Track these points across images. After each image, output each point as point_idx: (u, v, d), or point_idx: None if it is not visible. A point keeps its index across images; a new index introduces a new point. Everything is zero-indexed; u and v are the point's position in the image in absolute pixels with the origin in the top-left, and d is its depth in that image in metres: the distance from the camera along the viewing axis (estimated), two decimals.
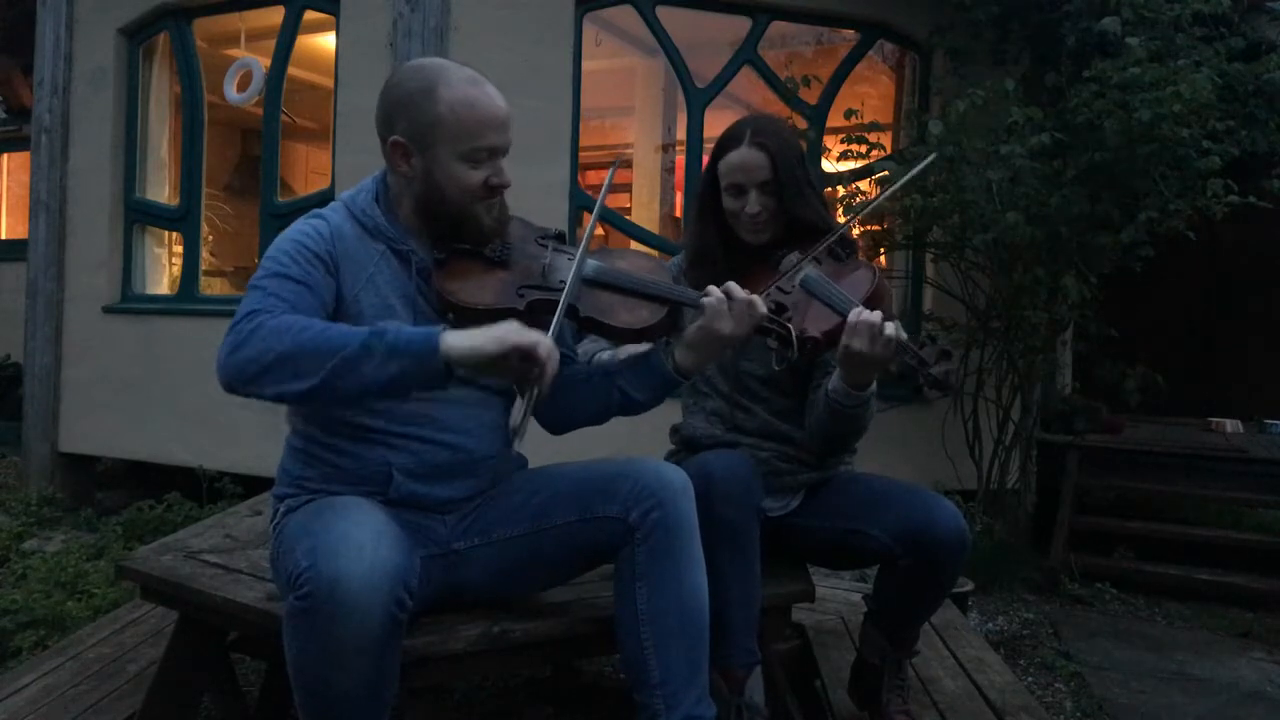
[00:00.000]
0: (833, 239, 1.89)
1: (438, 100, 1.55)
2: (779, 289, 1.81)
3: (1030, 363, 4.08)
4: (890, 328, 1.66)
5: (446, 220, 1.62)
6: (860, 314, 1.68)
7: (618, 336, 1.68)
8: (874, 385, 1.81)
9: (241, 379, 1.41)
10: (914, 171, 2.17)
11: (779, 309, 1.73)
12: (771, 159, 1.91)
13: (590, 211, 4.71)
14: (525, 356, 1.39)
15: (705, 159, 2.08)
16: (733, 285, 1.63)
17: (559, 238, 1.72)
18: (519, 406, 1.45)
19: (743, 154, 1.93)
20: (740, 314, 1.61)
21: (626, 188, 6.16)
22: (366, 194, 1.65)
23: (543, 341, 1.41)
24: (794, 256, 1.89)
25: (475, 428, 1.65)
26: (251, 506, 2.46)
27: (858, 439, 1.98)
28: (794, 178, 1.93)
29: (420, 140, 1.57)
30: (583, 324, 1.65)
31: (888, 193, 2.53)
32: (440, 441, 1.62)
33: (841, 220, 2.30)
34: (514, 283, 1.62)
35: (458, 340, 1.40)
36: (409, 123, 1.57)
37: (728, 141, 1.97)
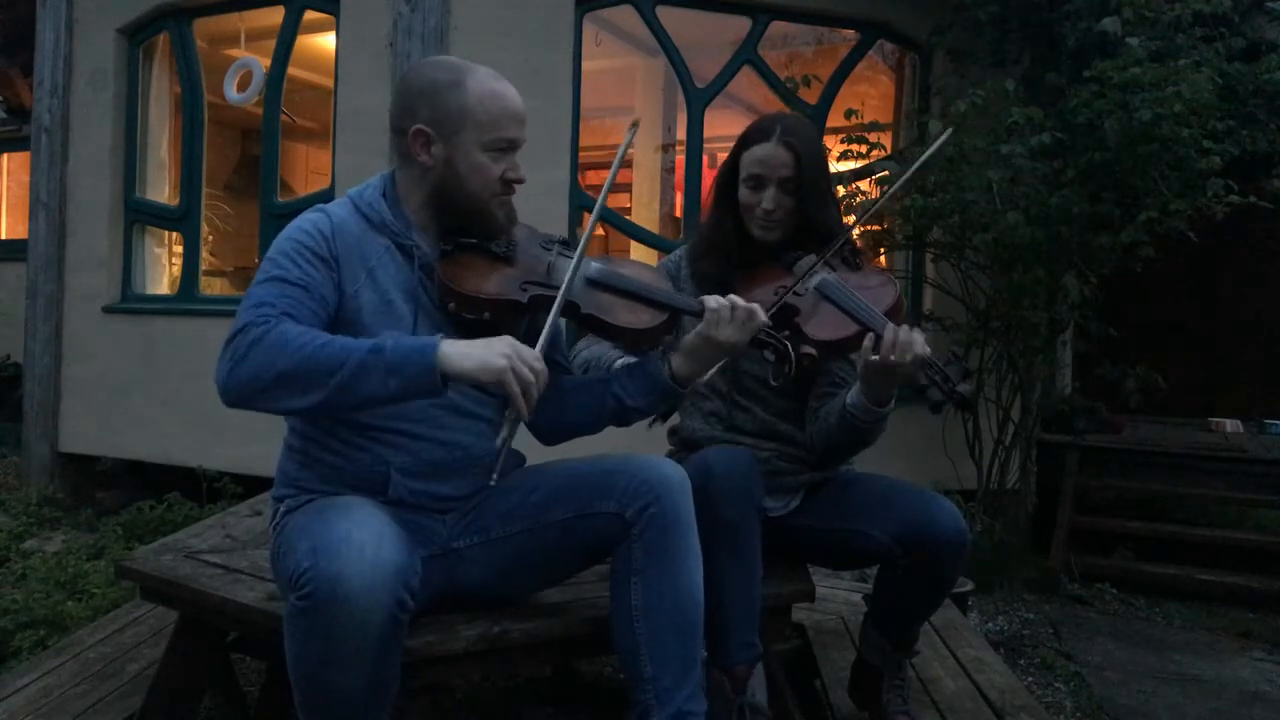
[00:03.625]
0: (845, 236, 1.88)
1: (466, 91, 1.59)
2: (793, 292, 1.81)
3: (1030, 363, 4.08)
4: (920, 345, 1.66)
5: (459, 213, 1.64)
6: (897, 331, 1.67)
7: (618, 336, 1.69)
8: (893, 402, 1.81)
9: (243, 396, 1.44)
10: (932, 149, 2.08)
11: (789, 311, 1.73)
12: (797, 158, 1.91)
13: (590, 211, 4.71)
14: (519, 378, 1.42)
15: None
16: (733, 297, 1.64)
17: (564, 243, 1.75)
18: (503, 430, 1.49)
19: (769, 149, 1.93)
20: (740, 323, 1.63)
21: (626, 188, 6.15)
22: (374, 189, 1.67)
23: (535, 365, 1.44)
24: (809, 259, 1.88)
25: (472, 425, 1.66)
26: (251, 506, 2.47)
27: (860, 450, 1.98)
28: (816, 181, 1.93)
29: (445, 128, 1.60)
30: (584, 322, 1.66)
31: (907, 175, 2.35)
32: (437, 439, 1.62)
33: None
34: (518, 278, 1.64)
35: (456, 360, 1.42)
36: (433, 111, 1.60)
37: (755, 134, 1.97)
